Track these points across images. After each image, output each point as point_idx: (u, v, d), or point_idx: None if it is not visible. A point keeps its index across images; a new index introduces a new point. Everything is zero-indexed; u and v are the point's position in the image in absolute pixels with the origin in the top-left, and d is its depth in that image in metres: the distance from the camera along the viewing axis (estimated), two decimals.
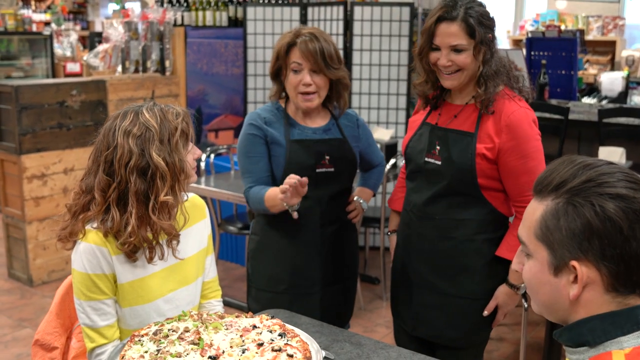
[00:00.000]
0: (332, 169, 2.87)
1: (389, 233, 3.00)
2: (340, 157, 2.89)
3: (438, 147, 2.59)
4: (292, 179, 2.57)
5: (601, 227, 1.32)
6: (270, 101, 2.96)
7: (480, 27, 2.44)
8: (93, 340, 2.13)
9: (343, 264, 3.00)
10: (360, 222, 4.83)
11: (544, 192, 1.41)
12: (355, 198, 3.06)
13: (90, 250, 2.09)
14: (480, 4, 2.50)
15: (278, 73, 2.86)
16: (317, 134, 2.88)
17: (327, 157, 2.85)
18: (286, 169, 2.81)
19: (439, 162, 2.57)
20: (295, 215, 2.73)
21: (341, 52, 5.77)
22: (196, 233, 2.37)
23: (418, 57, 2.59)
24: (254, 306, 2.94)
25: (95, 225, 2.11)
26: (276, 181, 2.87)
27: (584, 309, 1.39)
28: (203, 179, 5.04)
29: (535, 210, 1.42)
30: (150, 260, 2.14)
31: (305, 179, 2.58)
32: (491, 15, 2.52)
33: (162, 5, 6.32)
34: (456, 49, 2.46)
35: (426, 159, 2.62)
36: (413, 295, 2.73)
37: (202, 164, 5.22)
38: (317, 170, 2.84)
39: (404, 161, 2.87)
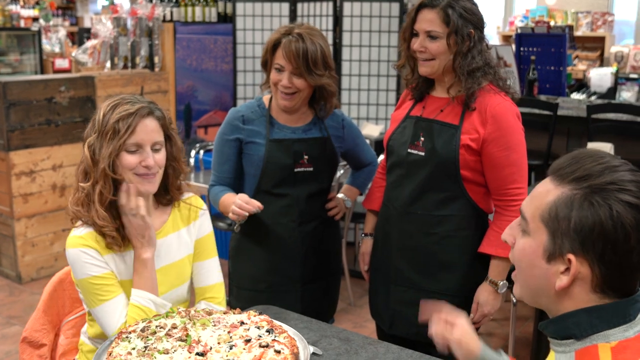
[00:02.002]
0: (311, 168, 2.86)
1: (363, 235, 2.98)
2: (320, 156, 2.88)
3: (422, 138, 2.59)
4: (250, 206, 2.63)
5: (611, 231, 1.32)
6: (259, 95, 2.95)
7: (460, 18, 2.46)
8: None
9: (324, 261, 3.01)
10: (350, 218, 4.84)
11: (564, 178, 1.39)
12: (340, 195, 3.06)
13: (80, 254, 2.11)
14: (469, 0, 2.52)
15: (266, 64, 2.85)
16: (296, 134, 2.87)
17: (306, 157, 2.85)
18: (264, 167, 2.82)
19: (423, 153, 2.58)
20: (238, 229, 2.82)
21: (330, 49, 5.77)
22: (182, 237, 2.35)
23: (402, 39, 2.63)
24: (235, 305, 2.94)
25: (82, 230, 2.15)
26: (252, 179, 2.88)
27: (571, 301, 1.40)
28: (192, 175, 5.04)
29: (549, 192, 1.40)
30: (108, 247, 2.16)
31: (260, 206, 2.64)
32: (478, 12, 2.53)
33: (151, 1, 6.30)
34: (431, 35, 2.50)
35: (409, 150, 2.62)
36: (391, 293, 2.72)
37: (192, 160, 5.22)
38: (296, 170, 2.84)
39: (382, 158, 2.87)
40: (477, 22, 2.52)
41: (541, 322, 1.48)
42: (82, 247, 2.12)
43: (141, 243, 2.16)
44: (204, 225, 2.41)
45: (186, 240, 2.35)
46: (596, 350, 1.36)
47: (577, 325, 1.39)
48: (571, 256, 1.36)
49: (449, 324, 1.85)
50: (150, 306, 2.13)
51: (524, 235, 1.46)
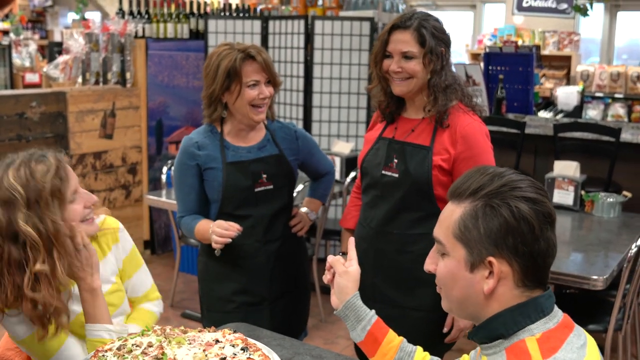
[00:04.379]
0: (271, 186, 2.89)
1: (340, 254, 3.01)
2: (278, 173, 2.91)
3: (396, 160, 2.65)
4: (231, 231, 2.69)
5: (516, 226, 1.48)
6: (205, 123, 2.93)
7: (432, 38, 2.54)
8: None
9: (291, 277, 3.04)
10: (321, 234, 4.88)
11: (462, 196, 1.56)
12: (303, 210, 3.09)
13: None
14: (436, 20, 2.62)
15: (219, 95, 2.81)
16: (251, 153, 2.89)
17: (265, 176, 2.87)
18: (224, 191, 2.84)
19: (397, 175, 2.64)
20: (219, 253, 2.83)
21: (302, 66, 5.82)
22: (109, 262, 2.35)
23: (373, 62, 2.68)
24: (206, 327, 2.96)
25: None
26: (214, 204, 2.90)
27: (497, 303, 1.53)
28: (164, 192, 5.04)
29: (454, 212, 1.57)
30: (60, 327, 2.08)
31: (240, 229, 2.71)
32: (446, 31, 2.62)
33: (123, 17, 6.30)
34: (406, 56, 2.56)
35: (383, 171, 2.67)
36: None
37: (164, 177, 5.22)
38: (256, 190, 2.86)
39: (357, 178, 2.92)
40: (447, 41, 2.61)
41: (469, 331, 1.62)
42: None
43: (90, 273, 2.11)
44: (126, 242, 2.42)
45: (113, 262, 2.36)
46: (524, 344, 1.48)
47: (503, 324, 1.52)
48: (491, 259, 1.50)
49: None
50: (113, 337, 2.09)
51: (443, 258, 1.61)
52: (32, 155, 2.08)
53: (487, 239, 1.49)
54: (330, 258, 2.00)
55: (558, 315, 1.54)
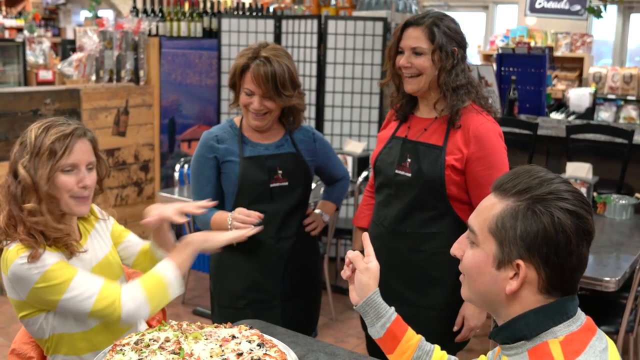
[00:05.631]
0: (286, 183, 2.91)
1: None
2: (294, 170, 2.93)
3: (409, 160, 2.66)
4: (252, 217, 2.74)
5: (553, 236, 1.46)
6: (229, 115, 2.99)
7: (443, 36, 2.56)
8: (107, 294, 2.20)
9: (303, 276, 3.05)
10: (332, 233, 4.89)
11: (507, 192, 1.53)
12: (317, 211, 3.11)
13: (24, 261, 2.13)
14: (452, 20, 2.64)
15: (231, 84, 2.89)
16: (269, 150, 2.92)
17: (280, 172, 2.89)
18: (240, 184, 2.87)
19: (409, 174, 2.65)
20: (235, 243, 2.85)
21: (314, 65, 5.84)
22: (100, 235, 2.46)
23: (387, 58, 2.71)
24: (218, 323, 2.98)
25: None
26: (229, 198, 2.92)
27: (519, 305, 1.52)
28: (176, 189, 5.06)
29: (494, 206, 1.54)
30: (70, 255, 2.21)
31: (260, 215, 2.76)
32: (461, 32, 2.64)
33: (137, 15, 6.33)
34: (416, 52, 2.59)
35: (397, 171, 2.69)
36: None
37: (176, 174, 5.24)
38: (271, 185, 2.88)
39: (370, 177, 2.93)
40: (460, 41, 2.62)
41: (491, 331, 1.61)
42: (23, 252, 2.13)
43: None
44: (108, 220, 2.55)
45: (103, 235, 2.47)
46: (547, 346, 1.48)
47: (526, 325, 1.51)
48: (520, 262, 1.48)
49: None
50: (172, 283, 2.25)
51: (472, 247, 1.59)
52: (61, 120, 2.24)
53: (521, 241, 1.48)
54: (351, 254, 2.00)
55: (581, 318, 1.54)
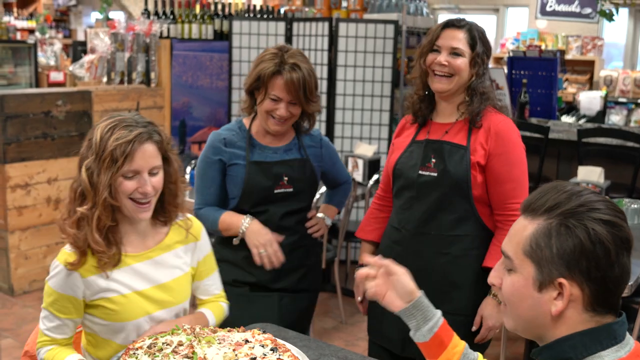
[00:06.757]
0: (291, 189, 2.92)
1: (358, 267, 2.99)
2: (300, 177, 2.93)
3: (434, 160, 2.66)
4: (277, 261, 2.84)
5: (591, 249, 1.40)
6: (239, 116, 2.99)
7: (481, 43, 2.63)
8: (42, 342, 2.21)
9: (302, 276, 3.03)
10: (343, 236, 4.89)
11: (536, 212, 1.48)
12: (319, 215, 3.11)
13: (62, 272, 2.13)
14: (483, 30, 2.71)
15: (253, 91, 2.87)
16: (277, 154, 2.92)
17: (286, 178, 2.90)
18: (245, 189, 2.88)
19: (435, 174, 2.65)
20: (237, 242, 2.90)
21: (325, 68, 5.84)
22: (178, 257, 2.34)
23: (418, 54, 2.72)
24: None
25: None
26: (233, 200, 2.93)
27: (565, 326, 1.46)
28: (187, 192, 5.06)
29: (526, 227, 1.48)
30: (102, 268, 2.15)
31: (282, 260, 2.85)
32: (490, 42, 2.72)
33: (148, 17, 6.35)
34: (455, 52, 2.62)
35: (420, 172, 2.68)
36: None
37: (187, 176, 5.24)
38: (276, 191, 2.89)
39: (379, 188, 2.93)
40: (489, 51, 2.70)
41: (534, 350, 1.54)
42: (67, 266, 2.12)
43: None
44: (205, 244, 2.43)
45: (184, 260, 2.35)
46: None
47: (573, 348, 1.45)
48: (562, 280, 1.43)
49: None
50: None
51: (510, 274, 1.53)
52: (128, 120, 2.16)
53: (560, 259, 1.42)
54: (375, 262, 1.94)
55: (630, 343, 1.47)
